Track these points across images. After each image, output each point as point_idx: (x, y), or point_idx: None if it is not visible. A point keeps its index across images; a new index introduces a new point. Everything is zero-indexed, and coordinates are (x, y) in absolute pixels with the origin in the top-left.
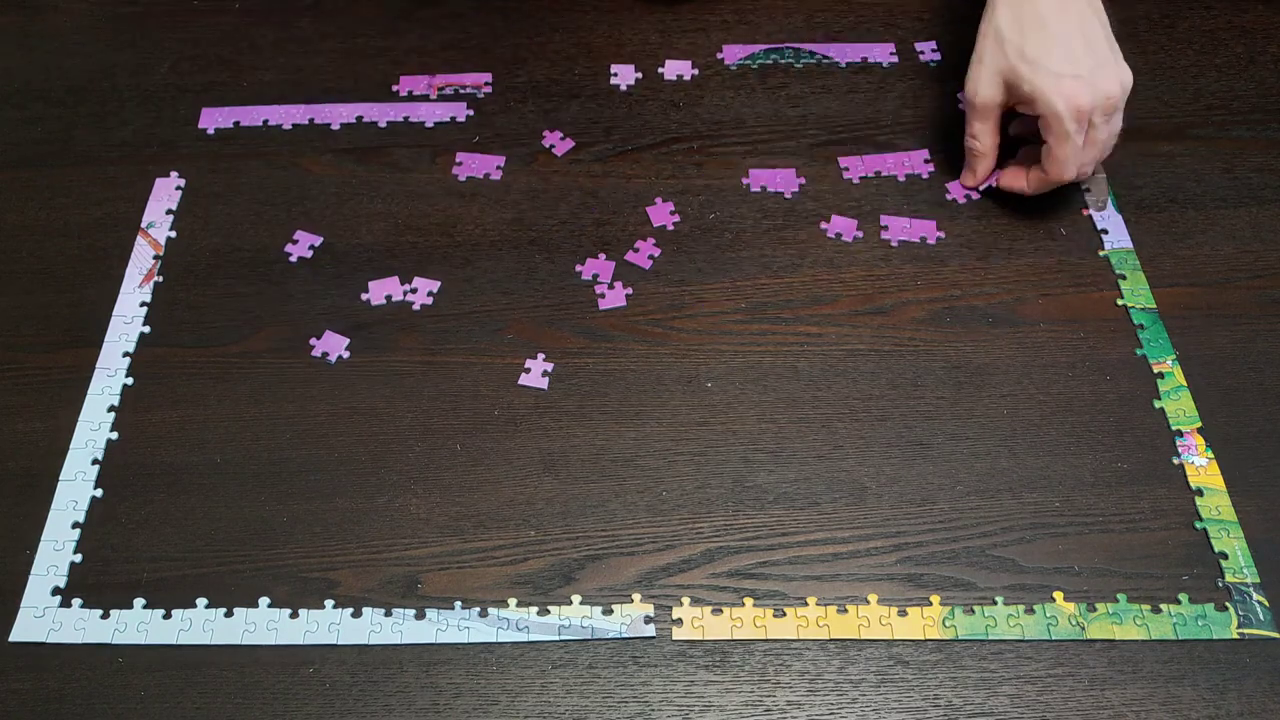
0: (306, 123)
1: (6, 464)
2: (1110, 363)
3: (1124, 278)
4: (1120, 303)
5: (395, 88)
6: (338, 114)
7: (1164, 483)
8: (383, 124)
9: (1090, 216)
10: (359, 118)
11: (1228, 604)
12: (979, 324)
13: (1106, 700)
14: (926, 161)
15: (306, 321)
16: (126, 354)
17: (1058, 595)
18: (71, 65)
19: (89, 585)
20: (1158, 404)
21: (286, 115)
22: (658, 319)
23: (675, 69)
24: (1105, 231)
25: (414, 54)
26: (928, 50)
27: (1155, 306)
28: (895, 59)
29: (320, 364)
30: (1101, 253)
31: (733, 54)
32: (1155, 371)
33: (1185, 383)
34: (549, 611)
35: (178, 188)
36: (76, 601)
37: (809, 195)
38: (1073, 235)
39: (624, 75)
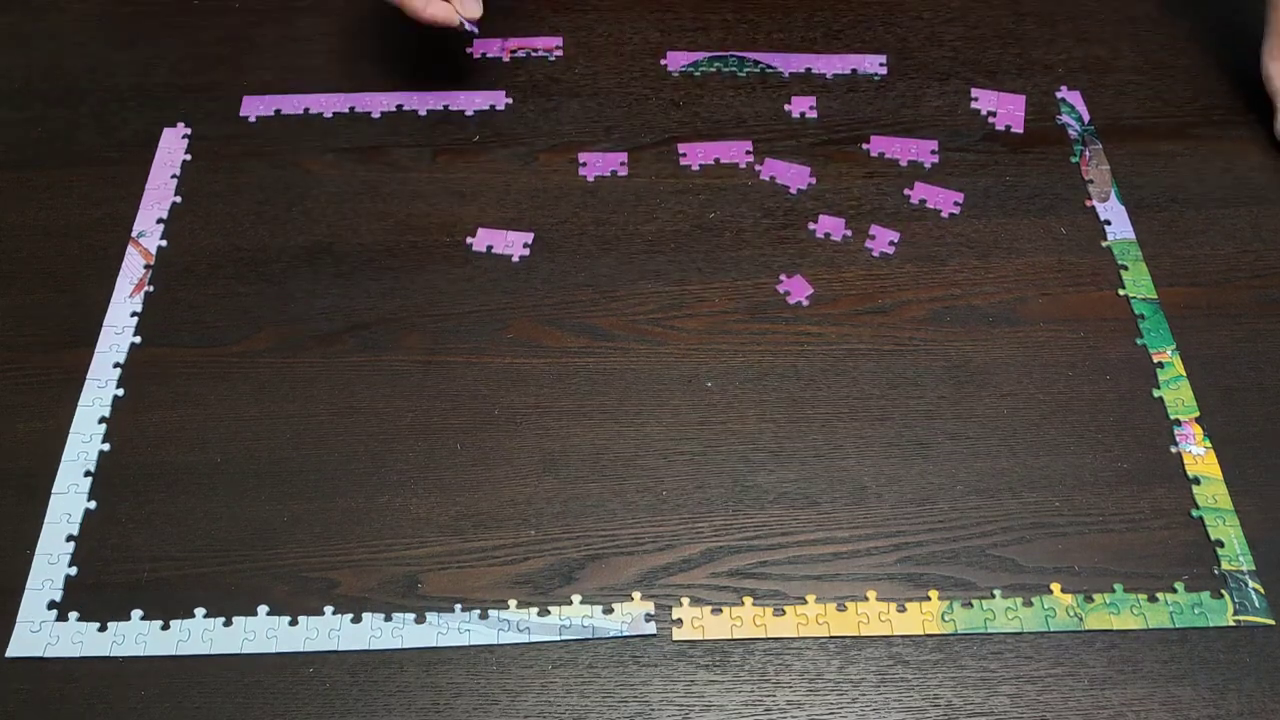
0: (347, 110)
1: (6, 464)
2: (1110, 361)
3: (1126, 268)
4: (1121, 293)
5: (469, 50)
6: (377, 102)
7: (1164, 482)
8: (423, 112)
9: (1093, 209)
10: (399, 106)
11: (1224, 591)
12: (979, 324)
13: (1106, 700)
14: (934, 153)
15: (306, 321)
16: (117, 364)
17: (1055, 586)
18: (71, 65)
19: (89, 585)
20: (1156, 393)
21: (328, 104)
22: (658, 319)
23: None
24: (1108, 223)
25: (414, 54)
26: (875, 65)
27: (1156, 297)
28: (843, 71)
29: (320, 364)
30: (1104, 243)
31: (676, 61)
32: (1155, 361)
33: (1184, 372)
34: (549, 612)
35: (184, 137)
36: (73, 615)
37: (809, 195)
38: (1073, 234)
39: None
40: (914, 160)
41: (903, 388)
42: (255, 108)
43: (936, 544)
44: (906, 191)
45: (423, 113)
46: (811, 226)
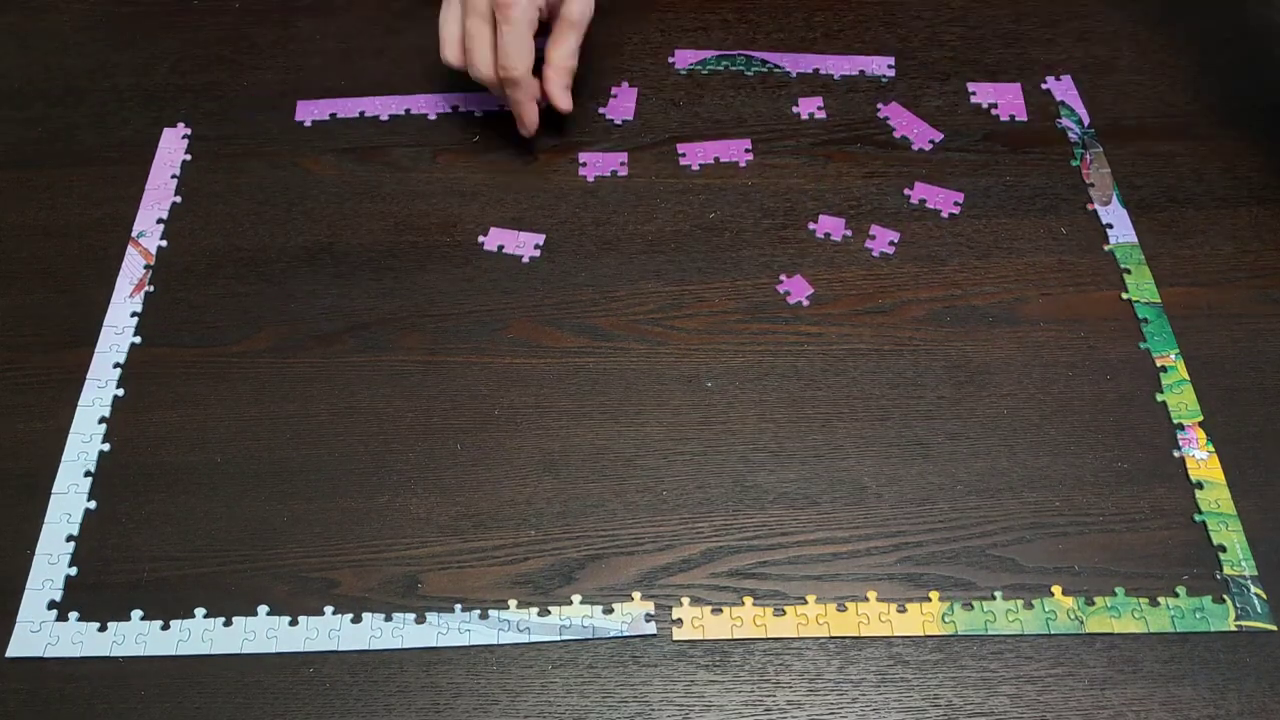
0: (403, 113)
1: (6, 464)
2: (1111, 361)
3: (1129, 272)
4: (1125, 297)
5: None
6: (433, 104)
7: (1164, 482)
8: (432, 116)
9: (1095, 212)
10: (455, 107)
11: (1225, 596)
12: (979, 324)
13: (1106, 700)
14: (932, 142)
15: (306, 321)
16: (117, 365)
17: (1056, 589)
18: (71, 65)
19: (89, 585)
20: (1160, 397)
21: (383, 106)
22: (658, 319)
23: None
24: (1110, 226)
25: (414, 54)
26: (883, 66)
27: (1160, 301)
28: (850, 72)
29: (320, 364)
30: (1106, 247)
31: (684, 59)
32: (1158, 365)
33: (1187, 376)
34: (549, 612)
35: (184, 137)
36: (73, 615)
37: (809, 195)
38: (1073, 234)
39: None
40: (907, 136)
41: (903, 388)
42: (310, 112)
43: (936, 544)
44: (906, 191)
45: (432, 116)
46: (811, 226)
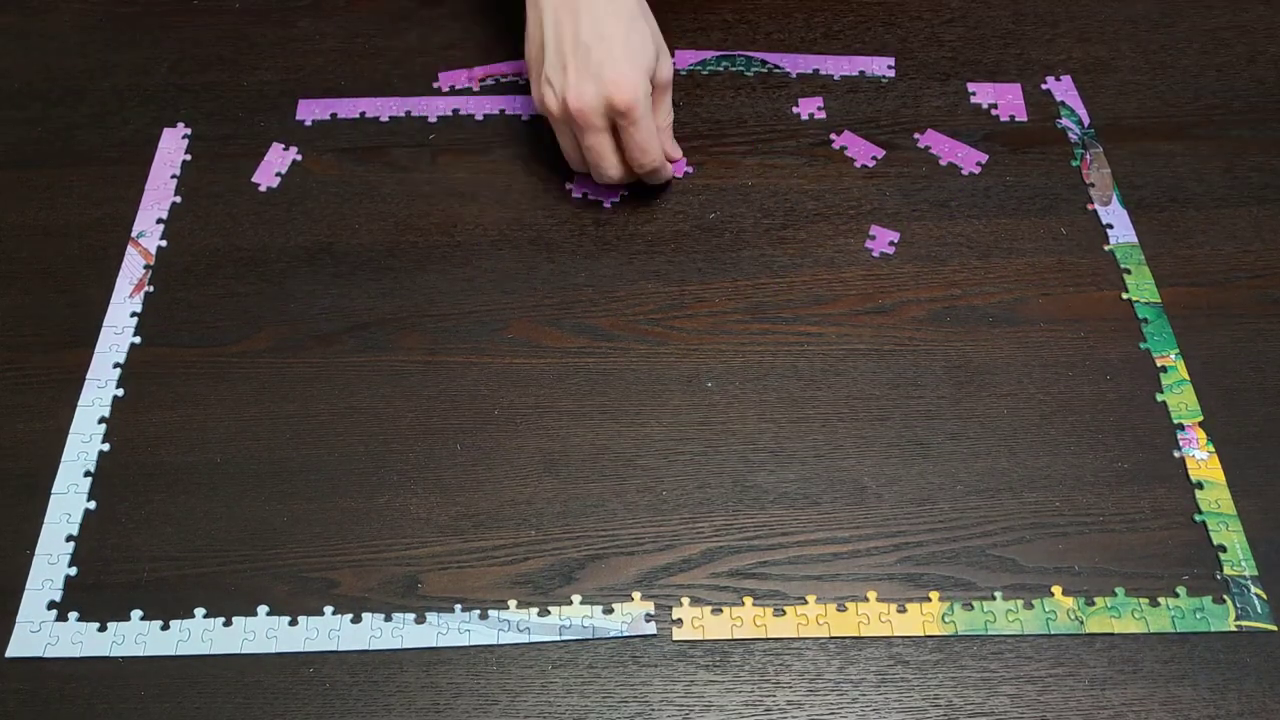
0: (403, 114)
1: (6, 464)
2: (1111, 361)
3: (1129, 272)
4: (1125, 297)
5: (435, 85)
6: (433, 106)
7: (1164, 482)
8: (433, 118)
9: (1095, 212)
10: (455, 110)
11: (1226, 596)
12: (979, 324)
13: (1106, 700)
14: (979, 165)
15: (306, 321)
16: (117, 365)
17: (1056, 589)
18: (71, 65)
19: (89, 585)
20: (1160, 397)
21: (383, 108)
22: (658, 319)
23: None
24: (1110, 226)
25: (414, 54)
26: (883, 67)
27: (1160, 301)
28: (850, 72)
29: (320, 364)
30: (1106, 247)
31: (684, 59)
32: (1158, 365)
33: (1187, 376)
34: (549, 612)
35: (184, 137)
36: (73, 615)
37: (809, 195)
38: (1074, 234)
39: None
40: (954, 163)
41: (903, 388)
42: (311, 111)
43: (936, 544)
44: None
45: (432, 118)
46: (812, 226)
